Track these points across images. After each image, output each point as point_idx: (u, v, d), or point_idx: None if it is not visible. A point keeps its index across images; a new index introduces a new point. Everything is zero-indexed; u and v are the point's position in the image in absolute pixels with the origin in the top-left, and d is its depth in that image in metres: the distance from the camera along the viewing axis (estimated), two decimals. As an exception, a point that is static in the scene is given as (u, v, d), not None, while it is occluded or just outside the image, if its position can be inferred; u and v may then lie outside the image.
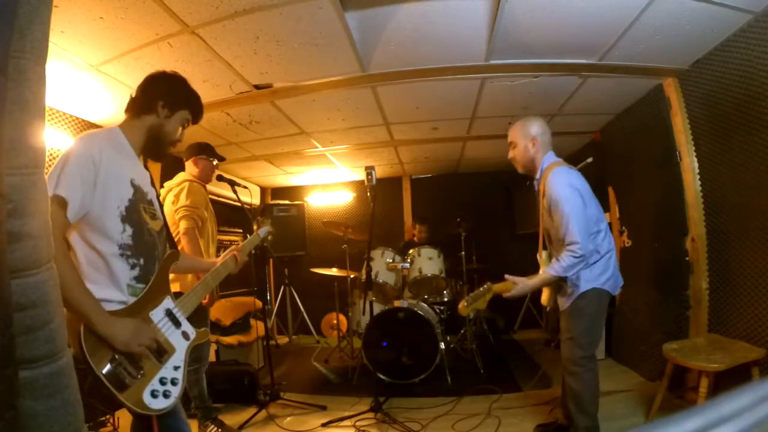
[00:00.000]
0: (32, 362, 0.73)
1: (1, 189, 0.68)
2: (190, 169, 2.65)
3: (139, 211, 1.31)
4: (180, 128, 1.43)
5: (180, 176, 2.61)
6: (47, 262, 0.77)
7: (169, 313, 1.35)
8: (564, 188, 1.94)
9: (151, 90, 1.38)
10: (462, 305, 2.07)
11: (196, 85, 1.37)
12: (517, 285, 2.02)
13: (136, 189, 1.32)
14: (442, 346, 3.29)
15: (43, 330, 0.75)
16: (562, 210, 1.92)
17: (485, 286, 2.07)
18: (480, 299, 2.07)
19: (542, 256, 2.20)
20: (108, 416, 2.45)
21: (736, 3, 1.95)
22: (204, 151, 2.68)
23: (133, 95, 1.39)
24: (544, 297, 2.26)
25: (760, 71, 2.06)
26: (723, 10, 2.00)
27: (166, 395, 1.23)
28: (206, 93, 2.69)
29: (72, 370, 0.83)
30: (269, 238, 1.97)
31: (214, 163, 2.72)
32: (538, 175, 2.11)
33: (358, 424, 2.57)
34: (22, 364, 0.71)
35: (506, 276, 2.05)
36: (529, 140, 2.09)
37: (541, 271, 2.11)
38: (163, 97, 1.37)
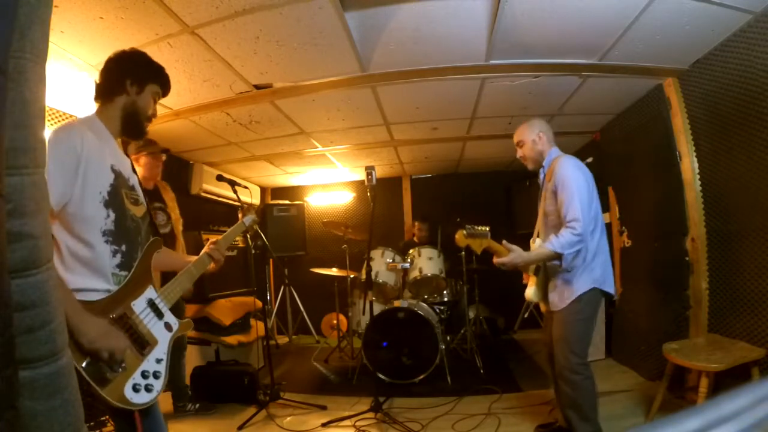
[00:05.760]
0: (32, 362, 0.73)
1: (1, 189, 0.68)
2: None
3: (121, 196, 1.30)
4: (152, 102, 1.40)
5: None
6: (47, 262, 0.77)
7: (152, 303, 1.31)
8: (574, 170, 2.00)
9: (116, 70, 1.34)
10: (460, 233, 2.03)
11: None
12: (512, 253, 1.97)
13: (117, 174, 1.30)
14: (442, 346, 3.29)
15: (43, 330, 0.74)
16: (569, 187, 1.94)
17: (485, 229, 2.03)
18: (477, 240, 2.02)
19: (535, 243, 2.18)
20: (108, 416, 2.45)
21: (736, 3, 1.95)
22: (143, 147, 2.57)
23: (98, 80, 1.35)
24: (529, 291, 2.22)
25: (759, 71, 2.06)
26: (723, 10, 2.00)
27: (148, 389, 1.20)
28: (206, 93, 2.70)
29: (72, 370, 0.82)
30: (254, 226, 1.97)
31: (163, 157, 2.65)
32: (545, 164, 2.15)
33: (358, 424, 2.57)
34: (22, 364, 0.71)
35: (503, 242, 2.01)
36: (535, 135, 2.16)
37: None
38: (129, 74, 1.34)
